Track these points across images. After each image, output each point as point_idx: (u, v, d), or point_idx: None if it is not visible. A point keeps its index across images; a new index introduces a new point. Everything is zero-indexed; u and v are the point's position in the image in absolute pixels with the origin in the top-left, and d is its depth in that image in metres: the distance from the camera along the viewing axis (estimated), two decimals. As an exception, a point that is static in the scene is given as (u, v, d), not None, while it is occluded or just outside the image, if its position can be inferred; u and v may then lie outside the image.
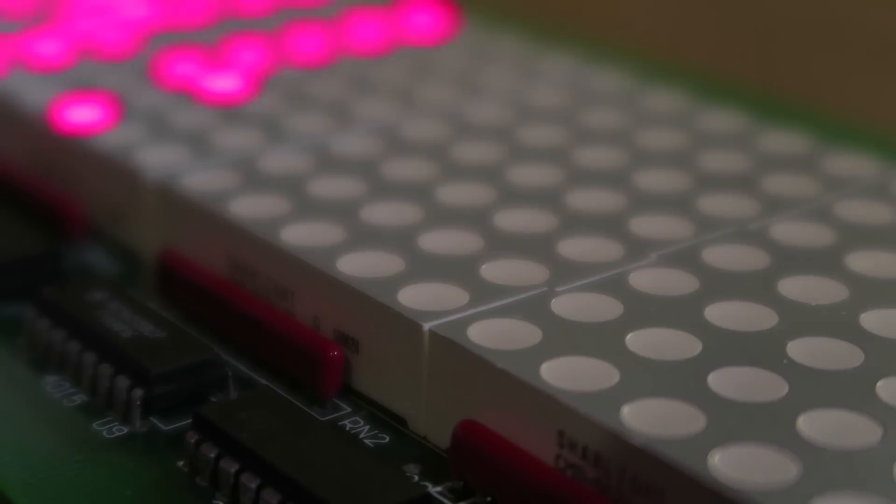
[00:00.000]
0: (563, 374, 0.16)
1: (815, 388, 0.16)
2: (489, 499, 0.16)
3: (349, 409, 0.18)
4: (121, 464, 0.18)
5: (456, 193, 0.21)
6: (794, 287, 0.18)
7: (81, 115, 0.23)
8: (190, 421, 0.18)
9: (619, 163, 0.22)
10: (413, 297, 0.18)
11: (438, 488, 0.17)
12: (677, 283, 0.18)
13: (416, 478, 0.17)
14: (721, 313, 0.18)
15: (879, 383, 0.16)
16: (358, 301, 0.18)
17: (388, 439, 0.18)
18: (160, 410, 0.18)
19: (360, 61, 0.26)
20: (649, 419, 0.15)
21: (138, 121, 0.23)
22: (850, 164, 0.22)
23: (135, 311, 0.20)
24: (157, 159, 0.22)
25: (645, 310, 0.18)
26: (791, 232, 0.20)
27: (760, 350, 0.17)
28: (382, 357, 0.18)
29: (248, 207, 0.20)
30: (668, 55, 0.34)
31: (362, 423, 0.18)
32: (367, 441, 0.18)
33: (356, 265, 0.19)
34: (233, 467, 0.17)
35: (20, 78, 0.25)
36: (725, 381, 0.16)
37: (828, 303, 0.18)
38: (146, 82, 0.25)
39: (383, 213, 0.20)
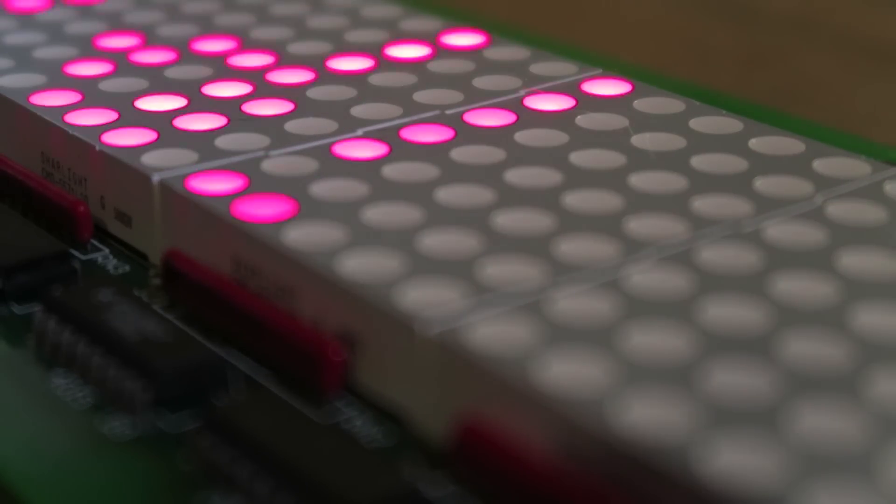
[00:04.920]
0: (563, 374, 0.16)
1: (811, 388, 0.16)
2: (489, 499, 0.17)
3: (349, 409, 0.19)
4: (127, 463, 0.18)
5: (456, 194, 0.21)
6: (789, 287, 0.18)
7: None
8: (195, 420, 0.18)
9: (617, 164, 0.22)
10: (413, 297, 0.18)
11: (438, 488, 0.17)
12: (675, 282, 0.18)
13: (416, 478, 0.17)
14: (718, 313, 0.18)
15: (874, 383, 0.16)
16: (359, 301, 0.18)
17: (387, 439, 0.18)
18: (166, 410, 0.19)
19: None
20: (648, 420, 0.16)
21: (145, 122, 0.24)
22: (843, 165, 0.22)
23: (141, 311, 0.20)
24: (163, 161, 0.22)
25: (643, 309, 0.18)
26: (786, 232, 0.20)
27: (757, 350, 0.17)
28: (382, 357, 0.18)
29: (252, 208, 0.21)
30: (665, 57, 0.34)
31: (362, 422, 0.18)
32: (366, 440, 0.18)
33: (357, 265, 0.19)
34: (237, 466, 0.17)
35: (25, 78, 0.26)
36: (724, 381, 0.16)
37: (822, 302, 0.18)
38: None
39: (384, 214, 0.20)
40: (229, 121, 0.24)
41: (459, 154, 0.22)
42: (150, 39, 0.28)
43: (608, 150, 0.23)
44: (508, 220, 0.20)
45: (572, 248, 0.19)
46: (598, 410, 0.16)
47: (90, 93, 0.25)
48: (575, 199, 0.21)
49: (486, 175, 0.22)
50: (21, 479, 0.18)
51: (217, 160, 0.22)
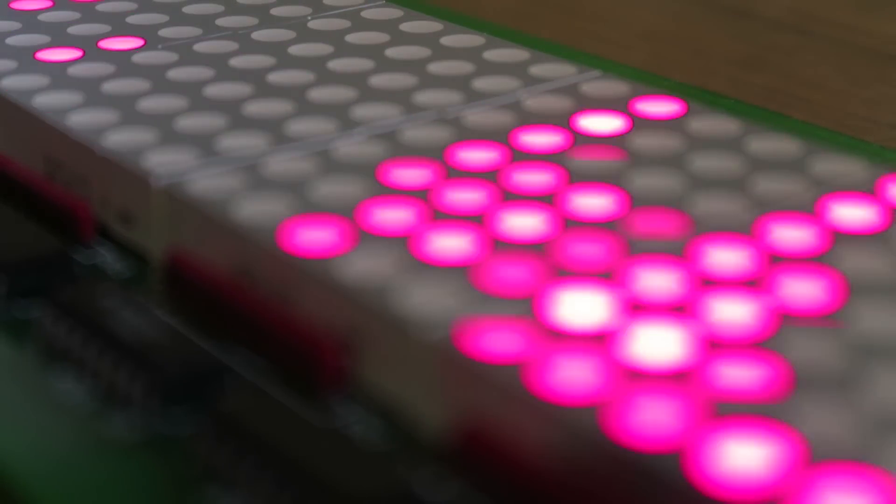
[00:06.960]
0: (562, 378, 0.17)
1: (810, 391, 0.16)
2: (488, 501, 0.17)
3: (349, 411, 0.19)
4: (129, 464, 0.18)
5: (456, 195, 0.21)
6: (786, 288, 0.18)
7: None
8: (198, 421, 0.18)
9: (617, 165, 0.22)
10: (413, 298, 0.18)
11: (438, 490, 0.17)
12: (673, 283, 0.19)
13: (415, 479, 0.17)
14: (717, 314, 0.18)
15: (872, 385, 0.16)
16: (360, 302, 0.19)
17: (387, 440, 0.18)
18: (169, 411, 0.19)
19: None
20: (647, 426, 0.16)
21: (147, 124, 0.24)
22: (840, 166, 0.22)
23: (142, 311, 0.20)
24: (164, 162, 0.22)
25: (643, 310, 0.18)
26: (784, 233, 0.20)
27: (755, 352, 0.17)
28: (382, 359, 0.18)
29: (253, 210, 0.21)
30: (662, 59, 0.34)
31: (362, 424, 0.18)
32: (366, 442, 0.18)
33: (357, 268, 0.19)
34: (237, 467, 0.17)
35: (28, 79, 0.26)
36: (723, 382, 0.16)
37: (820, 304, 0.18)
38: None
39: (385, 216, 0.20)
40: (230, 121, 0.24)
41: (460, 154, 0.22)
42: (151, 41, 0.28)
43: (608, 150, 0.23)
44: (509, 222, 0.20)
45: (573, 249, 0.19)
46: (597, 414, 0.16)
47: (92, 94, 0.25)
48: (575, 200, 0.21)
49: (487, 176, 0.22)
50: (23, 479, 0.18)
51: (217, 160, 0.22)
